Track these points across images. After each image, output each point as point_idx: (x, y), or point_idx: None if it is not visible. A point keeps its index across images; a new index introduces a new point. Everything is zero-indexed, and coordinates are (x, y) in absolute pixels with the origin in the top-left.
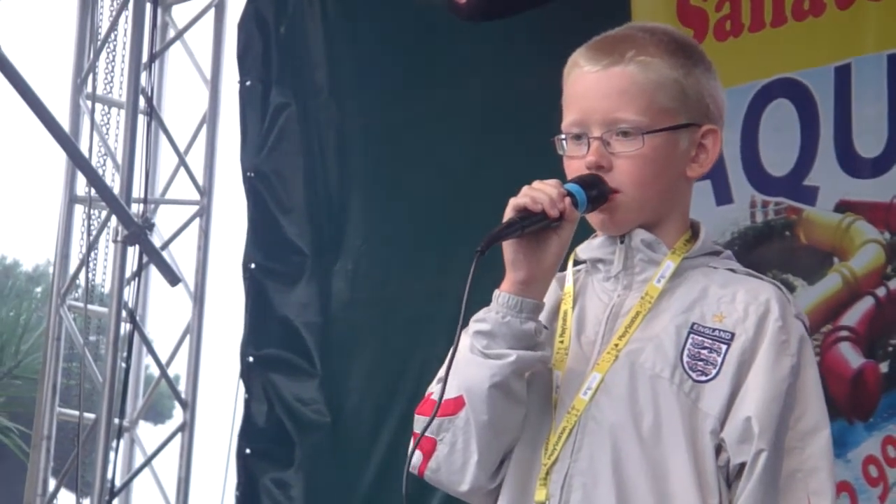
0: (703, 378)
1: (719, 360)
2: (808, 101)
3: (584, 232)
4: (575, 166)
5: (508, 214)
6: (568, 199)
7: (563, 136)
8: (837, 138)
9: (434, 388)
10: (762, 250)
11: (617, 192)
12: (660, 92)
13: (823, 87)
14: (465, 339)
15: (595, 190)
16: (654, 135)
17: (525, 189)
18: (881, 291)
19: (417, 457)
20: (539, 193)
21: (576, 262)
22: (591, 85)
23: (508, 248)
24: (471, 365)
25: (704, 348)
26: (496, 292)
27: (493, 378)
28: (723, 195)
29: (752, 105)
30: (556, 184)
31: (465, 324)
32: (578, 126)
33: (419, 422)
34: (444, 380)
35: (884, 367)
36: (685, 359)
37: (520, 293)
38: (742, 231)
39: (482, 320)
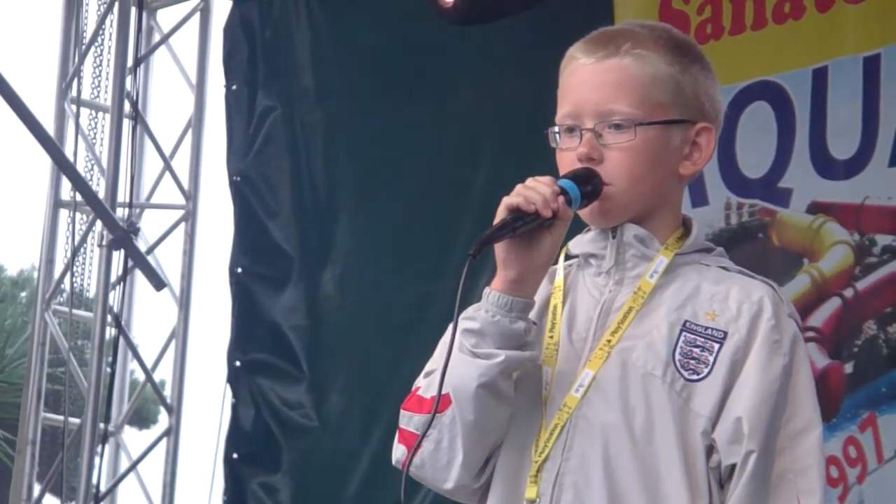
0: (695, 377)
1: (711, 359)
2: (785, 104)
3: (578, 226)
4: (567, 158)
5: (501, 214)
6: (561, 199)
7: (556, 129)
8: (812, 140)
9: (420, 383)
10: (735, 252)
11: (607, 184)
12: (655, 86)
13: (801, 90)
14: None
15: (589, 185)
16: (646, 127)
17: (518, 188)
18: (848, 292)
19: (401, 451)
20: (532, 193)
21: (567, 257)
22: (586, 77)
23: (500, 247)
24: (459, 363)
25: (697, 347)
26: (486, 290)
27: (480, 378)
28: (698, 197)
29: (730, 107)
30: (550, 181)
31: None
32: (572, 118)
33: (404, 417)
34: (441, 379)
35: (848, 368)
36: (677, 357)
37: (510, 292)
38: (716, 233)
39: (471, 318)
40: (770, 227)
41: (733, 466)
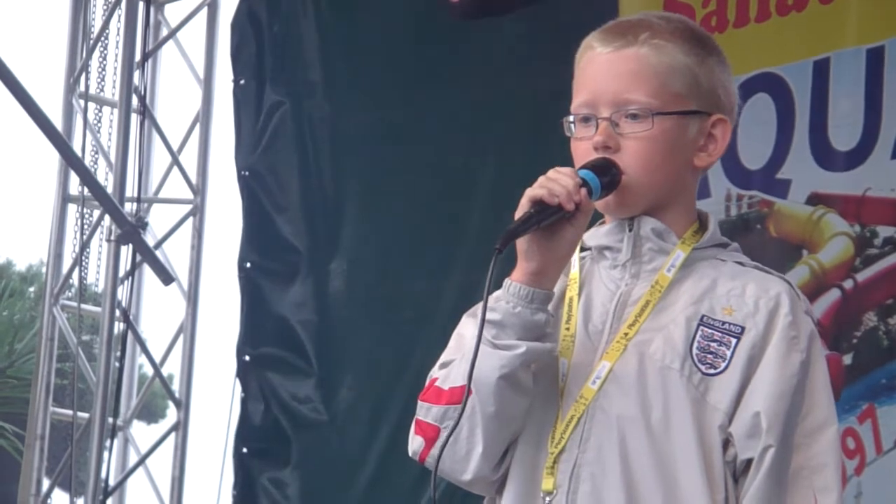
0: (712, 371)
1: (729, 353)
2: (785, 95)
3: (593, 218)
4: (582, 148)
5: (524, 206)
6: (584, 191)
7: (570, 118)
8: (812, 131)
9: (437, 373)
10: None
11: (623, 173)
12: (672, 76)
13: (801, 81)
14: (472, 327)
15: (608, 176)
16: (663, 117)
17: (541, 180)
18: (848, 284)
19: (419, 443)
20: (555, 185)
21: (582, 249)
22: (603, 66)
23: (522, 239)
24: (480, 355)
25: (714, 341)
26: (507, 281)
27: (501, 369)
28: (701, 189)
29: None
30: (572, 173)
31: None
32: (587, 107)
33: (422, 408)
34: (470, 373)
35: (847, 360)
36: (694, 351)
37: (532, 283)
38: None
39: (492, 309)
40: (768, 218)
41: (749, 461)
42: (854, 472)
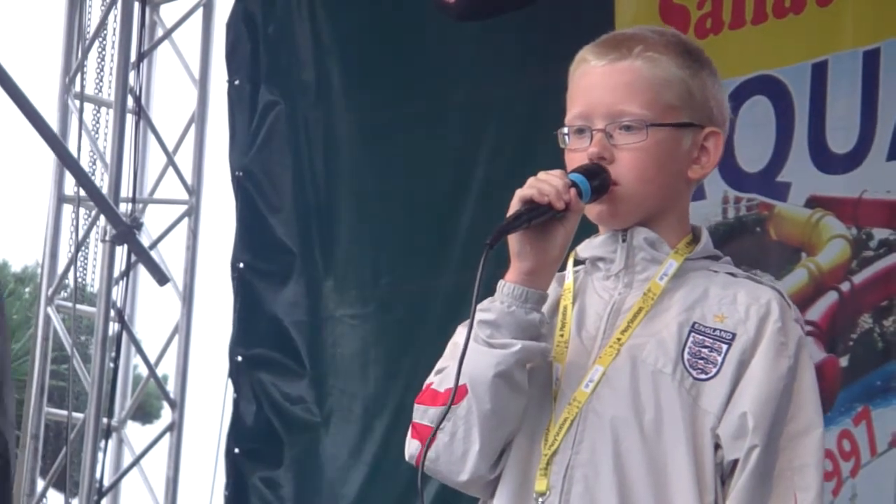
0: (704, 376)
1: (720, 359)
2: (784, 98)
3: (587, 229)
4: (577, 159)
5: (515, 206)
6: (573, 191)
7: (565, 130)
8: (811, 134)
9: (433, 379)
10: (732, 246)
11: (616, 184)
12: (666, 88)
13: (800, 84)
14: (466, 329)
15: (597, 180)
16: (657, 128)
17: (531, 180)
18: (845, 286)
19: (416, 447)
20: (545, 185)
21: (576, 263)
22: (597, 79)
23: (514, 239)
24: (475, 354)
25: (705, 347)
26: (501, 282)
27: (497, 367)
28: (696, 191)
29: (729, 102)
30: (561, 174)
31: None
32: (582, 119)
33: (418, 411)
34: (457, 372)
35: (844, 362)
36: (686, 356)
37: (525, 283)
38: (713, 227)
39: (487, 310)
40: (768, 221)
41: (735, 462)
42: (849, 475)
